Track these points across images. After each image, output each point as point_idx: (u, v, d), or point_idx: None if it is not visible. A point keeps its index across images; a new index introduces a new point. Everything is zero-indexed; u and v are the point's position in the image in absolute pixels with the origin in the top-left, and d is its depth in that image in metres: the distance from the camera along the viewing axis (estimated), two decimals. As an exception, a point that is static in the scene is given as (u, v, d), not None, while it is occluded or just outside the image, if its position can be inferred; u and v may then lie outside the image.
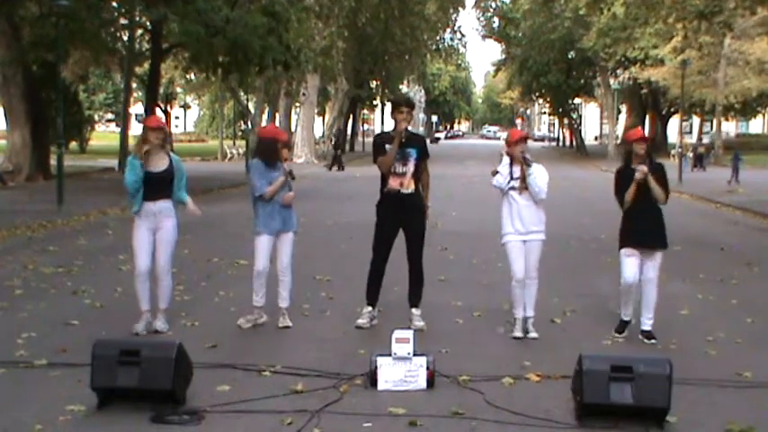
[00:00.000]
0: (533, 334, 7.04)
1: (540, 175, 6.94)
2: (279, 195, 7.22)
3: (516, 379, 5.79)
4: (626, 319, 7.16)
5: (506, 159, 7.03)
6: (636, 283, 6.99)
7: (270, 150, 7.26)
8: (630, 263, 6.97)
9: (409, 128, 7.26)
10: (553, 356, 6.40)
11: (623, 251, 7.04)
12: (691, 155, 36.63)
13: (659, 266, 7.07)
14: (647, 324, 7.03)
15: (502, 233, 7.11)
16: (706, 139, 43.48)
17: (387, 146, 7.16)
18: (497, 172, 7.01)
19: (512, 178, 6.95)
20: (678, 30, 23.64)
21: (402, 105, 7.18)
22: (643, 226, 6.96)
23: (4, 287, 8.92)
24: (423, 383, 5.56)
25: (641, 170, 6.84)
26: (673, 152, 39.47)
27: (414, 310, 7.35)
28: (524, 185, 6.92)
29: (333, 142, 36.48)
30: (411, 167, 7.17)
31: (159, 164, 6.95)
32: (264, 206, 7.26)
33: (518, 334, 7.05)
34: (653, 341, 6.92)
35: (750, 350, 6.75)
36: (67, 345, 6.52)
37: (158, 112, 39.58)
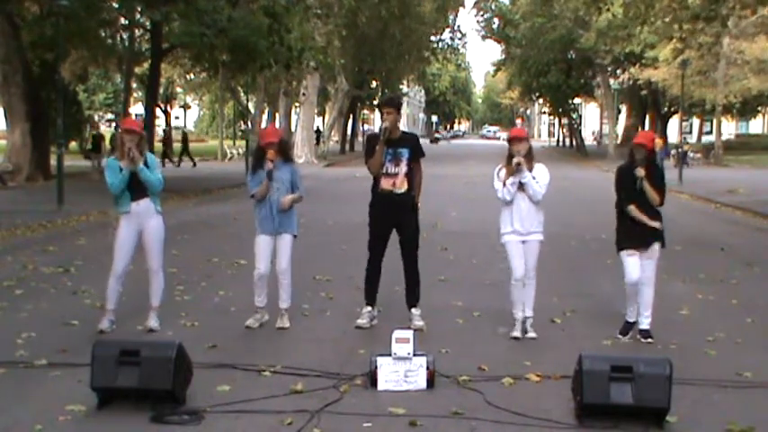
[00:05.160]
0: (532, 334, 7.04)
1: (539, 177, 6.94)
2: (273, 196, 7.19)
3: (516, 379, 5.78)
4: (631, 320, 7.15)
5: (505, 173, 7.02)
6: (640, 281, 7.00)
7: (255, 155, 7.35)
8: (633, 262, 6.98)
9: (405, 128, 7.23)
10: (553, 356, 6.40)
11: (623, 252, 7.04)
12: (674, 152, 36.85)
13: (656, 265, 7.07)
14: (644, 323, 7.04)
15: (501, 232, 7.12)
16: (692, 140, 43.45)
17: (377, 147, 7.15)
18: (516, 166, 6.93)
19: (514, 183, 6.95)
20: (675, 32, 23.73)
21: (385, 106, 7.19)
22: (640, 227, 6.97)
23: (4, 287, 8.92)
24: (423, 383, 5.56)
25: (638, 172, 6.89)
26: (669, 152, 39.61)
27: (413, 309, 7.34)
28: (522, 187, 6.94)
29: (183, 139, 36.51)
30: (403, 167, 7.15)
31: (139, 163, 6.90)
32: (259, 207, 7.28)
33: (517, 334, 7.04)
34: (650, 340, 6.92)
35: (750, 350, 6.75)
36: (67, 345, 6.52)
37: (158, 112, 39.60)
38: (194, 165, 34.79)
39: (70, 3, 17.75)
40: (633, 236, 6.99)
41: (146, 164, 6.92)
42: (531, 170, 6.94)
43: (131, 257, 7.09)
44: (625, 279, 7.02)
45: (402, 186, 7.18)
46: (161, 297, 7.19)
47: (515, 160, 6.88)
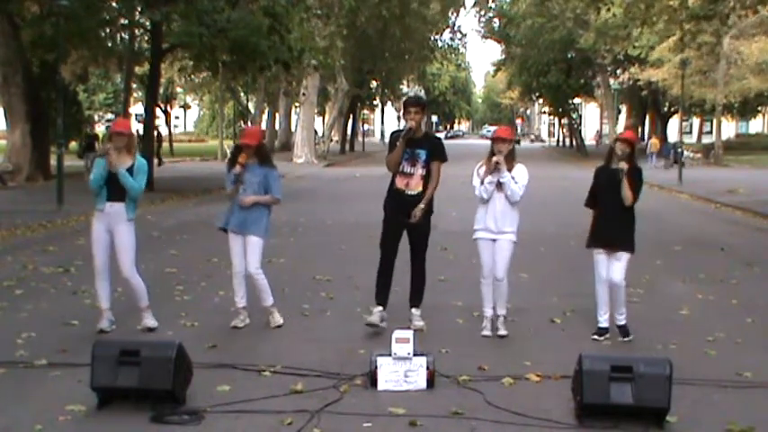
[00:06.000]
0: (502, 332, 7.03)
1: (518, 177, 6.94)
2: (239, 196, 7.13)
3: (516, 379, 5.78)
4: (603, 325, 7.11)
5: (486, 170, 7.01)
6: (611, 284, 7.02)
7: (232, 152, 7.32)
8: (598, 260, 7.05)
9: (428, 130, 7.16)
10: (553, 356, 6.40)
11: (594, 251, 7.10)
12: (672, 152, 36.94)
13: (625, 269, 7.00)
14: (620, 320, 7.03)
15: (474, 228, 7.15)
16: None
17: (398, 144, 7.12)
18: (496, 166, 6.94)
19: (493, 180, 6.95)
20: (675, 32, 23.81)
21: (412, 105, 7.11)
22: (609, 227, 6.99)
23: (4, 287, 8.92)
24: (423, 383, 5.56)
25: (621, 165, 6.87)
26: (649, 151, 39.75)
27: (414, 310, 7.33)
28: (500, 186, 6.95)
29: (156, 138, 36.57)
30: (420, 169, 7.11)
31: (118, 165, 6.86)
32: (231, 203, 7.27)
33: (487, 333, 7.06)
34: (629, 338, 6.92)
35: (750, 350, 6.75)
36: (67, 345, 6.52)
37: (158, 112, 39.57)
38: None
39: (70, 3, 17.75)
40: (600, 235, 7.03)
41: (132, 167, 6.88)
42: (510, 170, 6.94)
43: (108, 255, 7.05)
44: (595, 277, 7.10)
45: (416, 188, 7.13)
46: (144, 298, 7.13)
47: (494, 159, 6.88)
